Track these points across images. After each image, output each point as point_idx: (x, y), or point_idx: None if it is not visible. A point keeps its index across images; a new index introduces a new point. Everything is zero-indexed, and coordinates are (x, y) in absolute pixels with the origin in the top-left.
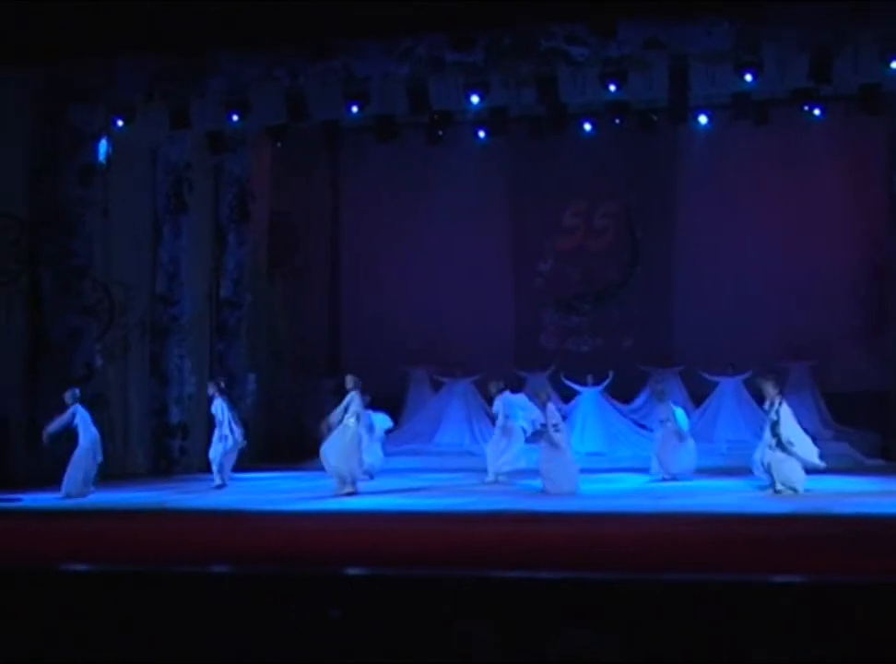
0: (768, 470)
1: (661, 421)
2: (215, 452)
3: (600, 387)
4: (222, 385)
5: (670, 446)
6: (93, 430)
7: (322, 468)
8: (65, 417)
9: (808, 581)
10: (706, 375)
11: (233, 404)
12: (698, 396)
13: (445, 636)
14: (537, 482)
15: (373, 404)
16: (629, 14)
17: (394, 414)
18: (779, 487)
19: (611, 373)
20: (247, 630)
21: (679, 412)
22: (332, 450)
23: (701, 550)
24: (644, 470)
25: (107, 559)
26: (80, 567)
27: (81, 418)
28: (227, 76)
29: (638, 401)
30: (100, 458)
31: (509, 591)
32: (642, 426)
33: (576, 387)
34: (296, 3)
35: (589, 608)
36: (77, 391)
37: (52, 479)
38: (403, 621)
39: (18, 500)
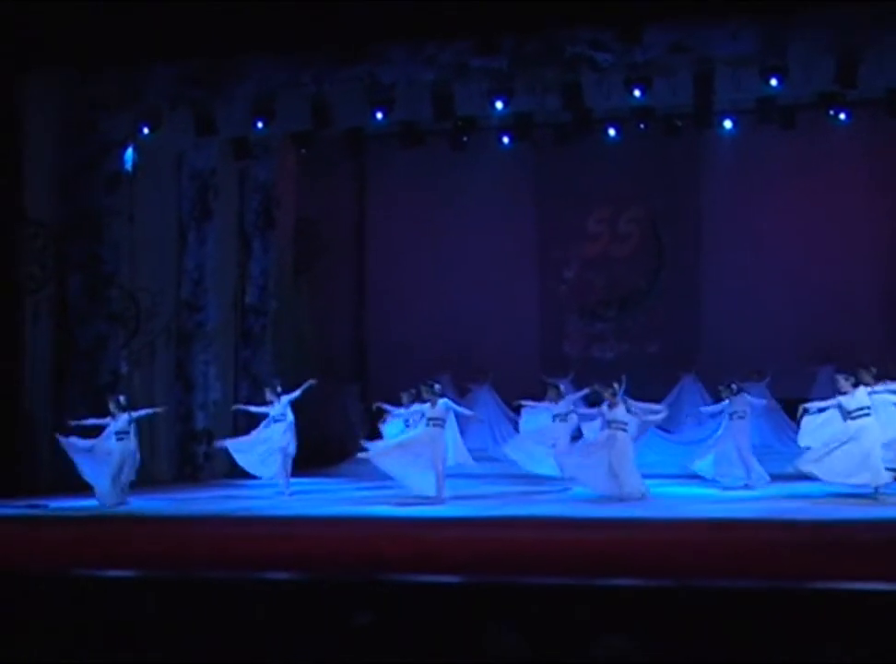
0: None
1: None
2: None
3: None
4: (279, 389)
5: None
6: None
7: (347, 474)
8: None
9: (822, 589)
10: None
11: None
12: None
13: (474, 644)
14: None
15: None
16: (654, 18)
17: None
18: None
19: (624, 378)
20: (272, 635)
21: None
22: None
23: (730, 555)
24: (666, 477)
25: (130, 565)
26: (105, 573)
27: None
28: (252, 82)
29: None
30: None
31: (535, 598)
32: (666, 431)
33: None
34: (321, 9)
35: (615, 614)
36: (124, 398)
37: (77, 485)
38: (426, 627)
39: (45, 505)
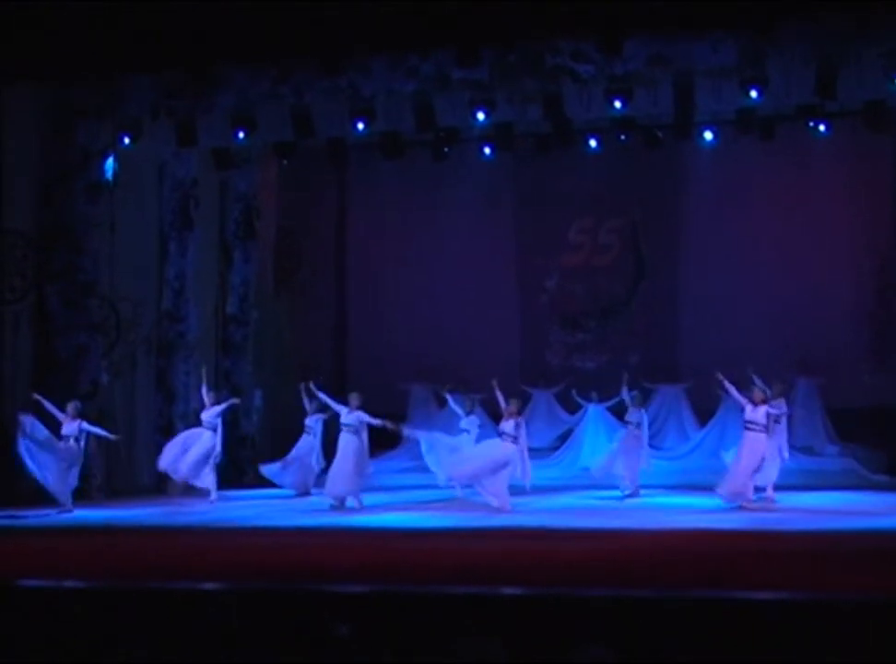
0: None
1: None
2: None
3: (606, 404)
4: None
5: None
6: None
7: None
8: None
9: (807, 598)
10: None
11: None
12: (704, 412)
13: (450, 654)
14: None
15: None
16: (634, 30)
17: None
18: None
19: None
20: (253, 647)
21: None
22: None
23: (705, 565)
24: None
25: (110, 576)
26: (82, 584)
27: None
28: (233, 92)
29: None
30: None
31: (514, 608)
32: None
33: (581, 402)
34: (302, 20)
35: (592, 624)
36: (80, 405)
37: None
38: (408, 638)
39: (24, 517)
